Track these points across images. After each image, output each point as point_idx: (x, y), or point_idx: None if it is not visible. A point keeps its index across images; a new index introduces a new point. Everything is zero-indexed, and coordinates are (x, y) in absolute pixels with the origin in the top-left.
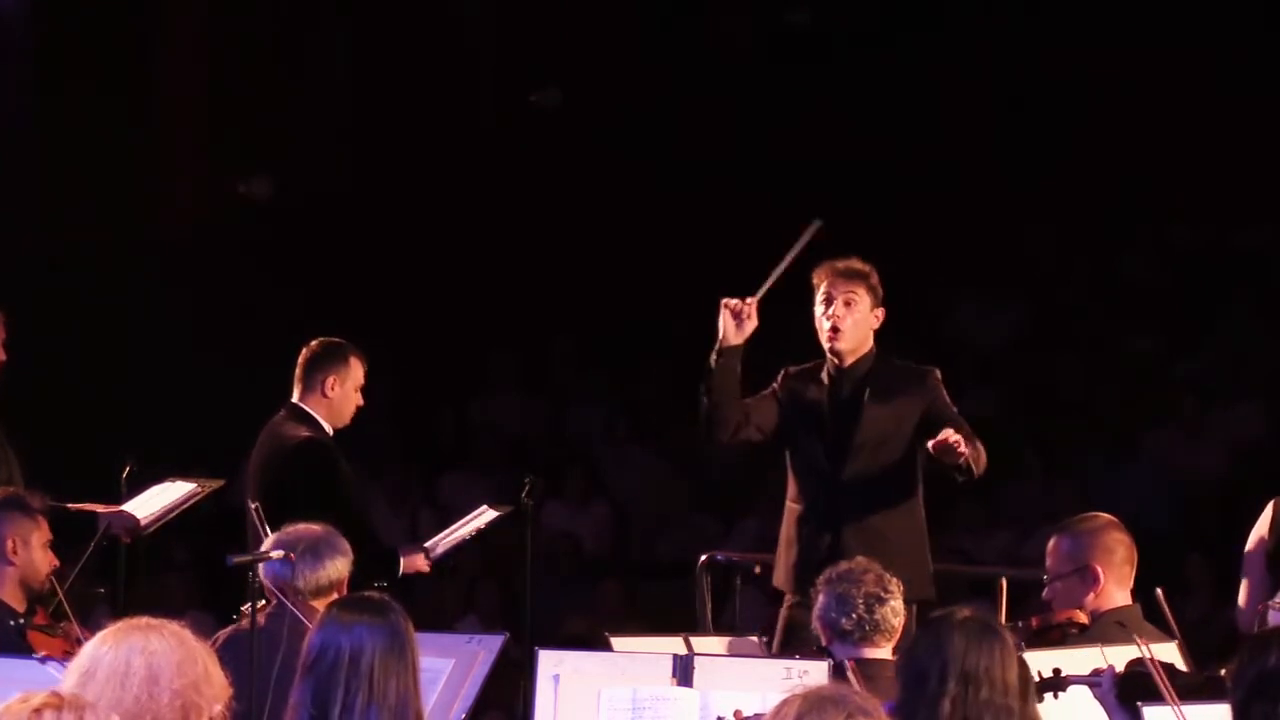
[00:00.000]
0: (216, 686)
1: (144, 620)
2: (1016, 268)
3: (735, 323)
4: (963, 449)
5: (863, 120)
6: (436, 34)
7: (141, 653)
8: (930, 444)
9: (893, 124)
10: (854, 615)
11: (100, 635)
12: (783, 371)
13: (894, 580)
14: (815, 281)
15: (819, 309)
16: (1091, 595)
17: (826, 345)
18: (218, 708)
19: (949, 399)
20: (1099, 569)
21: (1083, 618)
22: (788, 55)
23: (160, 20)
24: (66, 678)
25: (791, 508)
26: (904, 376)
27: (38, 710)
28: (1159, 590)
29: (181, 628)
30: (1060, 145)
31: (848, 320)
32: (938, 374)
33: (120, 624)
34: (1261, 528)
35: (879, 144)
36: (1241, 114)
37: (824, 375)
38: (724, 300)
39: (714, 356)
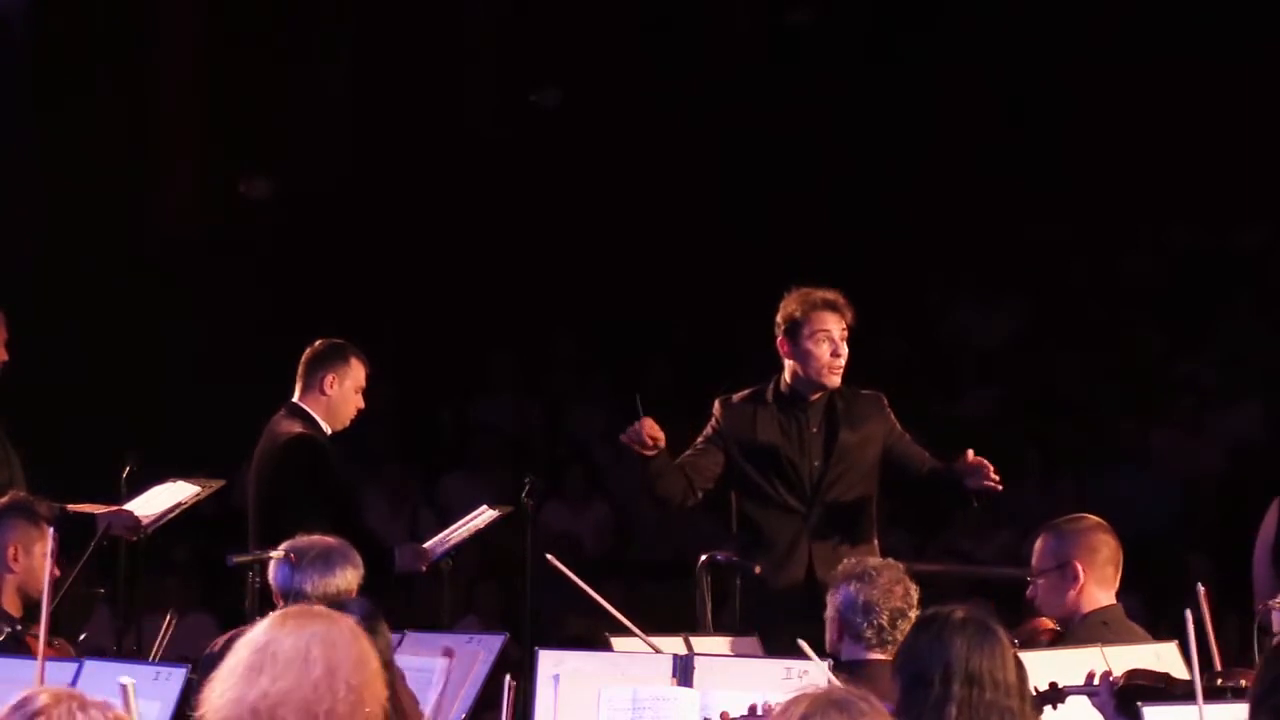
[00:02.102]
0: (379, 691)
1: (320, 609)
2: (1016, 268)
3: (645, 448)
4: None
5: (863, 120)
6: (436, 34)
7: (321, 643)
8: (965, 464)
9: (894, 124)
10: (876, 624)
11: (275, 618)
12: (719, 404)
13: (914, 589)
14: (806, 313)
15: (820, 348)
16: (1073, 593)
17: (823, 381)
18: (377, 710)
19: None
20: (1079, 566)
21: (1050, 624)
22: (788, 55)
23: (160, 20)
24: (236, 651)
25: (753, 552)
26: (863, 404)
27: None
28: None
29: (355, 624)
30: (1060, 145)
31: (844, 358)
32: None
33: (297, 609)
34: (1267, 527)
35: (880, 144)
36: (1241, 115)
37: (773, 407)
38: (624, 439)
39: (645, 469)
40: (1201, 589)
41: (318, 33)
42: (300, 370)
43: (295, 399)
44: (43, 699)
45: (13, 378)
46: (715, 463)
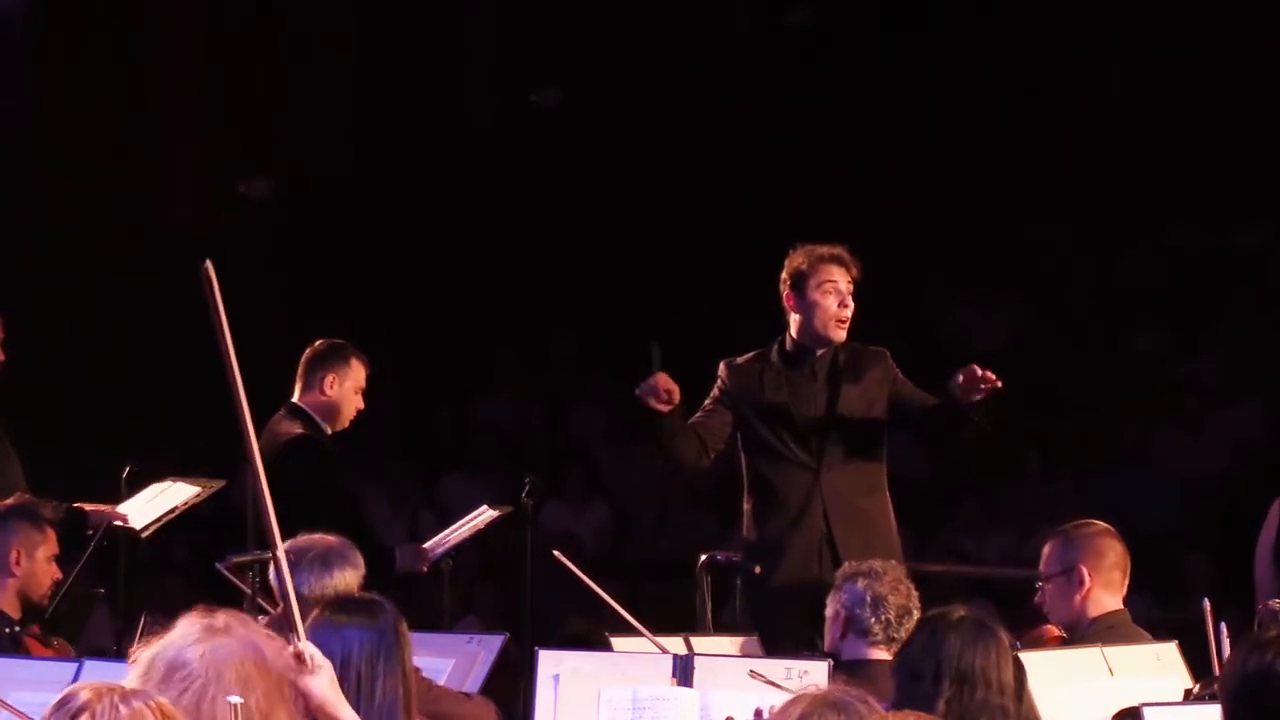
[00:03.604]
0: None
1: (236, 630)
2: (1016, 268)
3: (660, 401)
4: (987, 384)
5: (863, 120)
6: (436, 34)
7: (218, 682)
8: (956, 384)
9: (893, 124)
10: (884, 618)
11: (194, 634)
12: (724, 365)
13: (914, 591)
14: (813, 265)
15: (827, 300)
16: (1079, 597)
17: (830, 333)
18: None
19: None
20: (1085, 571)
21: (1057, 632)
22: (789, 55)
23: (160, 20)
24: (141, 659)
25: (766, 512)
26: (867, 358)
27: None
28: (1206, 603)
29: (249, 636)
30: (1060, 145)
31: (850, 310)
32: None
33: (206, 627)
34: (1268, 527)
35: (880, 143)
36: (1241, 115)
37: (778, 365)
38: (638, 392)
39: (656, 429)
40: (1207, 605)
41: (318, 33)
42: (300, 370)
43: (295, 399)
44: (84, 695)
45: (13, 377)
46: (725, 423)
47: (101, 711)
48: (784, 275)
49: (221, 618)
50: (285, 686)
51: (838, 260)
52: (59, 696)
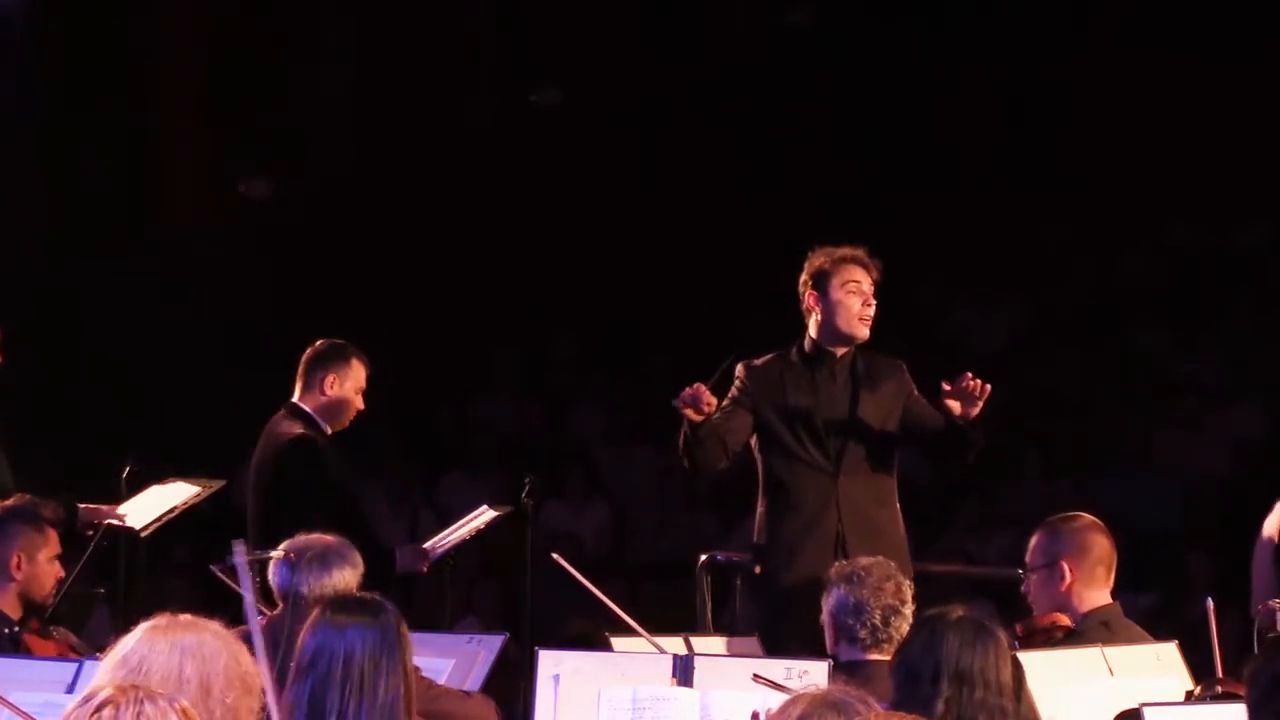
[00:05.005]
0: (252, 703)
1: (188, 619)
2: (1016, 268)
3: (698, 413)
4: (978, 401)
5: (864, 120)
6: (437, 34)
7: (194, 658)
8: (947, 401)
9: (893, 123)
10: (869, 624)
11: (146, 630)
12: (742, 367)
13: (908, 585)
14: (835, 265)
15: (851, 299)
16: (1061, 591)
17: (854, 331)
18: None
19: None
20: (1066, 566)
21: (1066, 620)
22: (789, 55)
23: (160, 20)
24: (107, 667)
25: (780, 514)
26: (885, 369)
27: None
28: (1209, 602)
29: (222, 630)
30: (1060, 145)
31: (873, 309)
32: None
33: (165, 621)
34: (1269, 526)
35: (880, 144)
36: (1241, 115)
37: (798, 366)
38: (678, 401)
39: (687, 434)
40: (1210, 604)
41: (318, 33)
42: (300, 370)
43: (295, 399)
44: (109, 691)
45: (12, 379)
46: (745, 424)
47: (125, 707)
48: (804, 276)
49: (181, 622)
50: (215, 692)
51: (859, 261)
52: (85, 692)
